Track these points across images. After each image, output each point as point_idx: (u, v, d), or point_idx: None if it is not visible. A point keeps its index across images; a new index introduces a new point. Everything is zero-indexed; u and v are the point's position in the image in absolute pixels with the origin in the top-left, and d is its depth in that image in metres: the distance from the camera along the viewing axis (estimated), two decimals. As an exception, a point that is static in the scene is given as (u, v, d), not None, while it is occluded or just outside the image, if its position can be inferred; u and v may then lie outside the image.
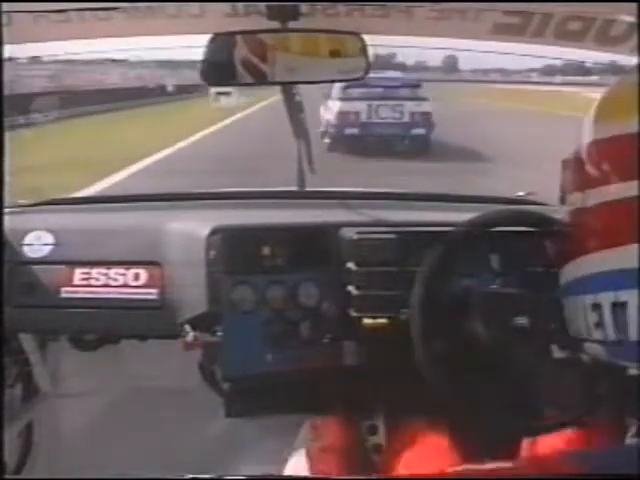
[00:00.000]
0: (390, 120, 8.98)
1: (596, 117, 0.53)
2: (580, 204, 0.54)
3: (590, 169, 0.52)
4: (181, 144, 9.97)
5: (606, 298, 0.50)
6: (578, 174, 0.54)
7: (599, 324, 0.51)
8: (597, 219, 0.52)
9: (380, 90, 9.01)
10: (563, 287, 0.57)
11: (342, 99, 8.90)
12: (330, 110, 9.14)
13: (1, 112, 1.11)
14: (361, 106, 8.94)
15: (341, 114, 8.90)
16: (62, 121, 11.99)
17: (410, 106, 9.04)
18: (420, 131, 9.02)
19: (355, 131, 8.90)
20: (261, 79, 1.07)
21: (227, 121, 13.13)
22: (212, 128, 12.12)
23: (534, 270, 1.24)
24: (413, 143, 8.96)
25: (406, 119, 8.99)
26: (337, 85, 7.88)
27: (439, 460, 0.89)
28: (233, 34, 1.07)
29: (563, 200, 0.57)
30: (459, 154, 8.70)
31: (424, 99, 9.27)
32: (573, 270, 0.54)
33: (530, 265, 1.24)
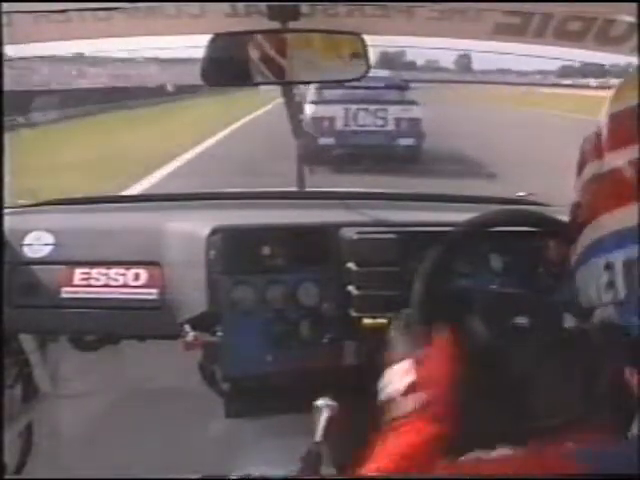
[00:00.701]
0: (371, 128, 7.38)
1: (613, 98, 0.57)
2: (596, 171, 0.56)
3: (605, 139, 0.55)
4: (198, 148, 9.30)
5: (618, 257, 0.52)
6: (596, 146, 0.57)
7: (610, 284, 0.52)
8: (611, 181, 0.54)
9: (359, 91, 7.13)
10: (577, 257, 0.58)
11: (315, 102, 7.17)
12: (304, 115, 7.10)
13: (1, 112, 1.11)
14: (337, 110, 7.37)
15: (314, 120, 7.10)
16: (63, 121, 11.80)
17: (395, 111, 7.42)
18: (408, 141, 7.42)
19: (330, 141, 7.29)
20: (279, 74, 1.07)
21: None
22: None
23: (534, 270, 1.24)
24: (399, 156, 7.33)
25: (390, 127, 7.38)
26: (312, 86, 6.50)
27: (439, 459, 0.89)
28: (233, 34, 1.08)
29: (580, 172, 0.59)
30: (456, 169, 7.18)
31: (413, 103, 7.63)
32: (588, 236, 0.56)
33: (530, 265, 1.24)
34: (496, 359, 1.02)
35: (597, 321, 0.55)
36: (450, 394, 0.88)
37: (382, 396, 0.92)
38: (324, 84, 5.91)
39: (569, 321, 0.92)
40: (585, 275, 0.56)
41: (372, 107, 7.42)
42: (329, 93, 7.28)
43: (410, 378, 0.89)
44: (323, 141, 7.21)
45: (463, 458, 0.56)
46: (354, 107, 7.32)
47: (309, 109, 7.11)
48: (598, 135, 0.57)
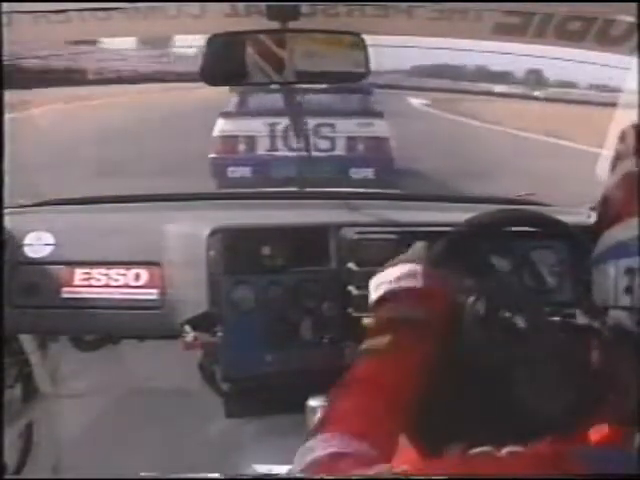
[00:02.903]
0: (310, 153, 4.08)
1: None
2: (628, 169, 0.55)
3: None
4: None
5: None
6: (630, 143, 0.55)
7: (629, 289, 0.52)
8: None
9: (293, 97, 3.71)
10: (598, 254, 0.57)
11: (229, 114, 4.87)
12: (213, 134, 5.00)
13: (1, 111, 1.11)
14: (257, 126, 4.69)
15: (223, 141, 4.78)
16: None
17: (349, 127, 4.81)
18: (365, 173, 4.73)
19: (244, 172, 4.63)
20: (278, 69, 1.07)
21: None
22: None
23: (534, 270, 1.24)
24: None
25: (340, 151, 4.76)
26: (233, 92, 4.84)
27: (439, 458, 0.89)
28: (233, 34, 1.08)
29: (613, 168, 0.58)
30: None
31: (376, 115, 4.99)
32: (613, 235, 0.55)
33: (530, 264, 1.24)
34: (494, 359, 1.02)
35: (610, 322, 0.54)
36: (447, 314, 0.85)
37: (378, 290, 0.88)
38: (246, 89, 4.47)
39: (572, 320, 0.92)
40: (603, 273, 0.55)
41: (312, 121, 4.48)
42: (250, 100, 4.91)
43: (414, 283, 0.86)
44: (233, 172, 4.62)
45: (474, 451, 0.55)
46: (284, 121, 4.46)
47: (218, 125, 4.91)
48: (634, 132, 0.55)
